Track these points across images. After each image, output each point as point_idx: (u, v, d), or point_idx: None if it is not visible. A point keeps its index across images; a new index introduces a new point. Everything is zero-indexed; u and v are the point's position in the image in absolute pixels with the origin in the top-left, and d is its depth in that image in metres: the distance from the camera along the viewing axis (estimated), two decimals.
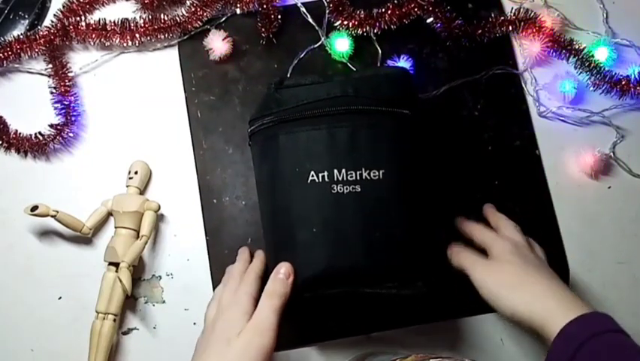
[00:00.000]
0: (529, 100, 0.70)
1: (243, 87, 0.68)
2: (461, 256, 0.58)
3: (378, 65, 0.69)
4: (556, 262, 0.61)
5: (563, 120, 0.69)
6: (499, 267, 0.55)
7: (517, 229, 0.60)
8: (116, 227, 0.63)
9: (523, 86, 0.70)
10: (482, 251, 0.59)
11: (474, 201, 0.66)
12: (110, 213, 0.64)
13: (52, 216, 0.60)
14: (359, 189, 0.52)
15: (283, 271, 0.52)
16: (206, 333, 0.52)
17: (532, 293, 0.52)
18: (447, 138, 0.67)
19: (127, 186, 0.64)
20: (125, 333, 0.63)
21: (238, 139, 0.66)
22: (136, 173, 0.64)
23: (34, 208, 0.59)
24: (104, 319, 0.60)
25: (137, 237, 0.62)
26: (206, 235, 0.64)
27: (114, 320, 0.60)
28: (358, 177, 0.52)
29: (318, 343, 0.63)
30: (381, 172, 0.53)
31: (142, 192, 0.65)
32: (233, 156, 0.66)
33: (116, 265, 0.61)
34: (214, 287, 0.63)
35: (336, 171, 0.52)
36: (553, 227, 0.67)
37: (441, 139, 0.67)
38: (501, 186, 0.67)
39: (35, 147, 0.65)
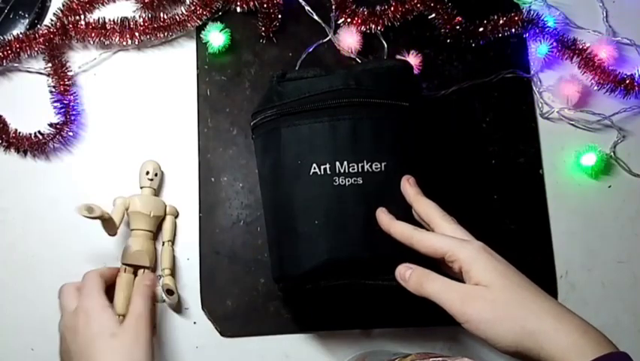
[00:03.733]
0: (538, 115, 0.69)
1: (255, 71, 0.68)
2: (428, 283, 0.47)
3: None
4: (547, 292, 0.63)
5: (565, 122, 0.69)
6: (484, 293, 0.45)
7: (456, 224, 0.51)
8: (132, 229, 0.62)
9: (534, 94, 0.70)
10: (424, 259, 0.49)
11: (471, 213, 0.65)
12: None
13: (104, 220, 0.58)
14: (361, 181, 0.52)
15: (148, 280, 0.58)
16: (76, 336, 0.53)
17: (541, 330, 0.43)
18: (452, 146, 0.67)
19: (146, 187, 0.63)
20: None
21: (243, 122, 0.66)
22: (156, 175, 0.63)
23: (90, 210, 0.56)
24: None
25: (152, 238, 0.62)
26: (199, 212, 0.65)
27: None
28: (360, 169, 0.52)
29: (319, 331, 0.64)
30: (382, 164, 0.53)
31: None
32: (237, 138, 0.67)
33: (136, 267, 0.60)
34: (201, 264, 0.64)
35: (337, 163, 0.52)
36: (548, 252, 0.66)
37: (446, 146, 0.67)
38: (500, 202, 0.67)
39: (35, 146, 0.65)
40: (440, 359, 0.46)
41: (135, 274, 0.61)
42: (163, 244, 0.63)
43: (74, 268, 0.63)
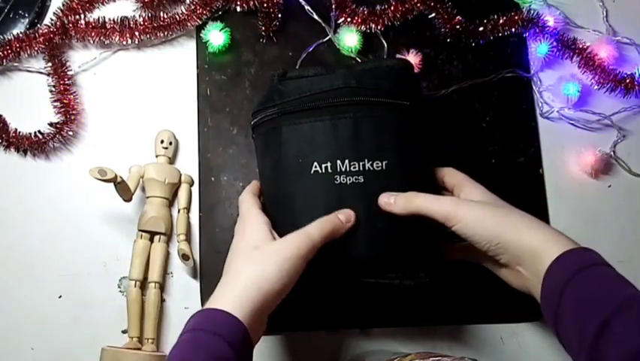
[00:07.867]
0: (538, 115, 0.69)
1: (255, 71, 0.68)
2: (417, 198, 0.52)
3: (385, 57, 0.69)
4: None
5: (565, 121, 0.69)
6: (473, 199, 0.53)
7: None
8: (148, 196, 0.63)
9: (534, 94, 0.69)
10: None
11: None
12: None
13: (117, 183, 0.59)
14: (362, 180, 0.52)
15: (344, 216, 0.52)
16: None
17: (520, 223, 0.49)
18: (452, 146, 0.67)
19: (161, 156, 0.65)
20: (125, 332, 0.63)
21: (244, 121, 0.66)
22: (170, 144, 0.65)
23: (103, 173, 0.57)
24: (144, 287, 0.62)
25: (167, 205, 0.64)
26: (199, 212, 0.65)
27: (160, 288, 0.62)
28: (361, 168, 0.52)
29: (319, 331, 0.64)
30: (384, 163, 0.53)
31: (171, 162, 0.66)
32: (237, 137, 0.67)
33: (153, 233, 0.62)
34: (201, 264, 0.64)
35: (339, 161, 0.52)
36: None
37: (446, 146, 0.67)
38: None
39: (35, 145, 0.65)
40: (440, 358, 0.46)
41: (151, 240, 0.63)
42: (179, 212, 0.64)
43: (74, 268, 0.64)
